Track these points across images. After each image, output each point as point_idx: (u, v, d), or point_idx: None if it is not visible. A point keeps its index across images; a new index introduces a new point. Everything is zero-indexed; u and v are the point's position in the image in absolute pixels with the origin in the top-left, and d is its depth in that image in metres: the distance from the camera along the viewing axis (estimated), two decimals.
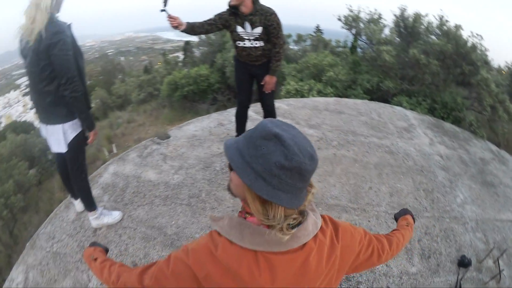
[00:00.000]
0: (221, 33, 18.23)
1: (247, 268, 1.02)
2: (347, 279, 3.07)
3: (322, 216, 1.20)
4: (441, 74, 8.14)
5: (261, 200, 0.98)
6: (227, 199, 3.87)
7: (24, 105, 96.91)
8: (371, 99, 8.19)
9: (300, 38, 22.00)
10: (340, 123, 5.89)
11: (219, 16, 3.78)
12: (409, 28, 8.89)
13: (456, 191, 4.55)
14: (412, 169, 4.80)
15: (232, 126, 5.01)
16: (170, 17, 3.50)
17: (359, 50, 12.08)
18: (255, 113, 5.53)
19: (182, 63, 27.41)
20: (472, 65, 7.55)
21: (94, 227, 3.44)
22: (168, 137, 5.07)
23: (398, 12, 9.28)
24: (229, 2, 3.62)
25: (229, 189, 1.13)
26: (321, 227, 1.15)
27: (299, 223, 1.05)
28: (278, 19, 3.66)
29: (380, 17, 9.81)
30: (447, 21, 8.28)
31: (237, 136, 4.31)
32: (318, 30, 27.30)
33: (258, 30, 3.67)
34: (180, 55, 35.89)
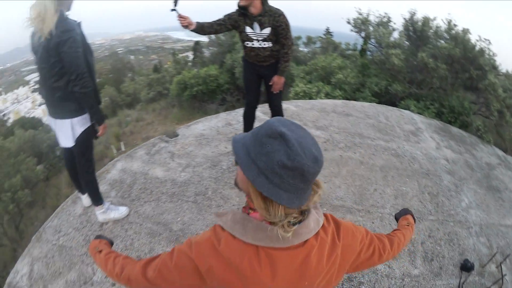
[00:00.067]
0: (231, 34, 18.25)
1: (249, 263, 1.04)
2: (349, 279, 3.10)
3: (325, 215, 1.21)
4: (449, 78, 8.12)
5: (262, 196, 1.00)
6: (233, 197, 3.92)
7: (32, 101, 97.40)
8: (379, 102, 8.19)
9: (309, 40, 21.96)
10: (347, 125, 5.91)
11: (229, 16, 3.83)
12: (418, 32, 8.89)
13: (461, 195, 4.55)
14: (418, 172, 4.81)
15: (240, 126, 5.06)
16: (180, 17, 3.55)
17: (368, 53, 12.07)
18: (262, 113, 5.58)
19: (192, 63, 27.49)
20: (480, 70, 7.52)
21: (100, 222, 3.50)
22: (176, 135, 5.14)
23: (407, 16, 9.29)
24: (238, 3, 3.67)
25: (235, 183, 1.15)
26: (323, 225, 1.16)
27: (301, 221, 1.07)
28: (286, 20, 3.70)
29: (389, 20, 9.79)
30: (455, 25, 8.26)
31: None
32: (328, 32, 27.28)
33: (267, 30, 3.71)
34: (190, 55, 36.01)
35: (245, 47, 3.98)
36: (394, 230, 1.63)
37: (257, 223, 1.06)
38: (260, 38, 3.79)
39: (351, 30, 10.11)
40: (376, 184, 4.42)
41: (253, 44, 3.86)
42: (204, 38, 25.25)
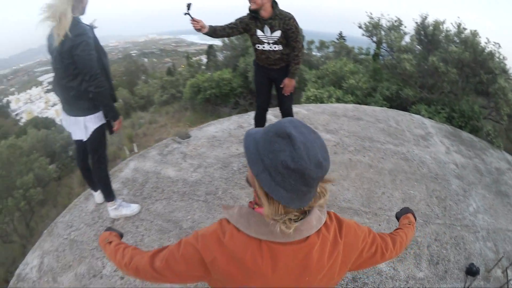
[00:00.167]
0: (244, 38, 18.29)
1: (251, 255, 1.08)
2: (353, 279, 3.15)
3: (328, 213, 1.23)
4: (460, 82, 8.10)
5: (265, 191, 1.03)
6: (242, 197, 4.02)
7: (46, 102, 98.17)
8: (391, 107, 8.20)
9: (322, 45, 21.94)
10: (357, 129, 5.97)
11: (240, 20, 3.95)
12: (429, 36, 8.86)
13: (469, 200, 4.57)
14: (426, 177, 4.84)
15: None
16: (193, 20, 3.69)
17: (380, 57, 12.02)
18: (274, 116, 5.67)
19: (205, 66, 27.62)
20: (490, 74, 7.48)
21: (112, 218, 3.62)
22: (188, 137, 5.26)
23: (419, 20, 9.26)
24: (250, 7, 3.78)
25: (247, 179, 1.19)
26: (326, 223, 1.18)
27: (303, 218, 1.10)
28: (296, 23, 3.80)
29: (400, 24, 9.77)
30: (464, 28, 8.24)
31: None
32: (341, 37, 27.23)
33: (277, 33, 3.82)
34: (204, 58, 36.15)
35: (256, 50, 4.09)
36: (396, 229, 1.64)
37: (261, 218, 1.09)
38: (271, 41, 3.89)
39: (363, 35, 10.12)
40: (385, 188, 4.46)
41: (263, 47, 3.97)
42: (217, 42, 25.39)
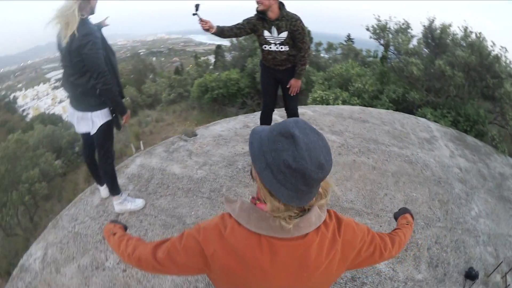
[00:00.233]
0: (252, 39, 18.33)
1: (251, 249, 1.11)
2: (352, 279, 3.18)
3: (328, 211, 1.25)
4: (466, 86, 8.09)
5: (266, 188, 1.06)
6: (246, 195, 4.06)
7: (52, 98, 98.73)
8: (397, 110, 8.19)
9: (330, 47, 21.94)
10: (363, 131, 5.99)
11: (247, 20, 4.04)
12: (436, 40, 8.85)
13: (471, 204, 4.56)
14: (430, 180, 4.85)
15: None
16: (201, 21, 3.76)
17: (388, 60, 11.97)
18: (280, 117, 5.72)
19: (213, 66, 27.71)
20: (496, 78, 7.46)
21: (117, 212, 3.71)
22: (195, 135, 5.34)
23: (426, 23, 9.24)
24: (257, 8, 3.86)
25: (251, 173, 1.20)
26: (325, 221, 1.20)
27: (302, 215, 1.12)
28: (303, 24, 3.87)
29: (408, 27, 9.76)
30: (471, 32, 8.23)
31: None
32: (349, 39, 27.22)
33: (284, 34, 3.88)
34: (212, 58, 36.25)
35: (262, 51, 4.15)
36: (395, 229, 1.66)
37: (262, 213, 1.12)
38: (278, 42, 3.96)
39: (370, 37, 10.12)
40: (387, 189, 4.48)
41: (270, 48, 4.03)
42: (226, 42, 25.45)
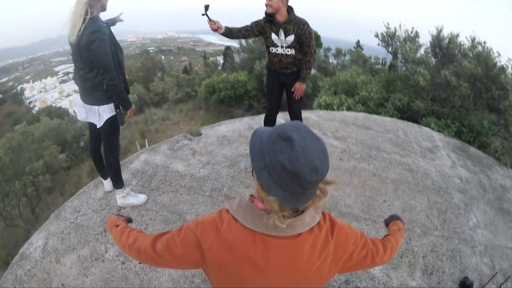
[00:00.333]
0: (261, 41, 18.34)
1: (245, 244, 1.15)
2: (346, 282, 3.22)
3: (323, 213, 1.28)
4: (471, 97, 8.09)
5: (263, 187, 1.11)
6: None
7: (60, 92, 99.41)
8: (401, 118, 8.20)
9: (339, 53, 21.89)
10: (365, 137, 6.03)
11: (256, 23, 4.14)
12: (444, 49, 8.85)
13: (470, 214, 4.57)
14: (429, 188, 4.87)
15: None
16: (210, 21, 3.86)
17: (397, 68, 11.93)
18: (284, 120, 5.77)
19: (222, 67, 27.74)
20: (502, 90, 7.46)
21: (119, 206, 3.80)
22: (199, 134, 5.43)
23: (434, 32, 9.24)
24: (266, 10, 3.94)
25: (252, 173, 1.21)
26: (319, 223, 1.23)
27: (297, 215, 1.16)
28: (310, 29, 3.95)
29: (417, 36, 9.76)
30: (478, 43, 8.24)
31: None
32: (358, 45, 27.18)
33: (291, 38, 3.96)
34: (221, 59, 36.30)
35: (269, 53, 4.24)
36: (386, 235, 1.69)
37: (257, 211, 1.16)
38: (284, 45, 4.04)
39: (378, 44, 10.13)
40: (386, 196, 4.52)
41: (277, 50, 4.12)
42: (235, 44, 25.47)
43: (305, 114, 6.59)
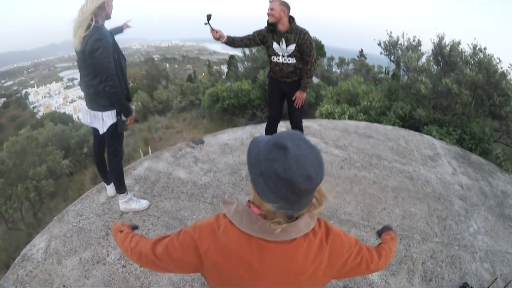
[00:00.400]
0: (265, 51, 18.42)
1: (241, 248, 1.18)
2: None
3: (318, 220, 1.30)
4: (473, 104, 8.10)
5: (258, 194, 1.14)
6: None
7: (64, 98, 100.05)
8: (403, 126, 8.23)
9: (342, 62, 21.96)
10: (366, 146, 6.07)
11: (258, 32, 4.24)
12: (446, 57, 8.87)
13: (470, 221, 4.58)
14: (430, 196, 4.89)
15: None
16: (212, 30, 3.97)
17: (400, 77, 11.94)
18: (285, 129, 5.80)
19: (226, 76, 27.85)
20: (503, 96, 7.46)
21: (121, 211, 3.85)
22: (202, 142, 5.49)
23: (436, 40, 9.27)
24: (268, 20, 4.03)
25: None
26: (314, 229, 1.25)
27: (291, 221, 1.18)
28: (311, 38, 4.04)
29: (419, 44, 9.79)
30: (480, 50, 8.26)
31: None
32: (361, 54, 27.28)
33: (292, 47, 4.05)
34: (225, 68, 36.47)
35: (270, 62, 4.33)
36: (380, 244, 1.71)
37: (253, 216, 1.18)
38: (286, 54, 4.12)
39: (381, 53, 10.17)
40: (386, 204, 4.54)
41: (278, 59, 4.20)
42: (239, 53, 25.59)
43: (307, 123, 6.65)
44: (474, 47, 8.35)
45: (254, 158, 1.14)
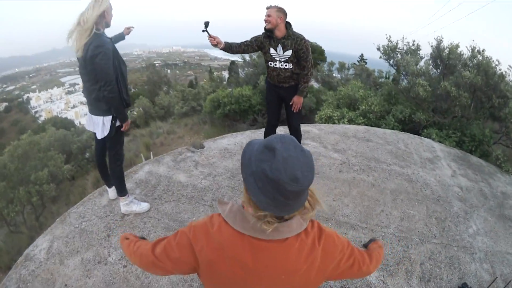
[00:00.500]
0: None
1: (234, 246, 1.23)
2: None
3: (312, 221, 1.34)
4: (472, 106, 8.12)
5: (248, 193, 1.18)
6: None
7: (66, 103, 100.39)
8: (403, 130, 8.23)
9: (342, 67, 21.99)
10: (365, 150, 6.12)
11: (255, 38, 4.31)
12: (445, 60, 8.89)
13: (469, 222, 4.60)
14: (428, 198, 4.92)
15: None
16: (210, 37, 4.05)
17: (400, 81, 11.96)
18: (285, 133, 5.86)
19: (227, 82, 27.90)
20: (502, 98, 7.47)
21: (122, 213, 3.94)
22: (202, 147, 5.57)
23: (434, 43, 9.28)
24: (265, 26, 4.11)
25: None
26: (306, 229, 1.29)
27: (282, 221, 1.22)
28: (307, 44, 4.10)
29: (418, 49, 9.80)
30: (478, 52, 8.27)
31: None
32: (362, 59, 27.35)
33: (289, 53, 4.11)
34: (226, 74, 36.57)
35: (268, 67, 4.39)
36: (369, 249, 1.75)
37: (246, 215, 1.22)
38: (282, 59, 4.18)
39: (380, 57, 10.19)
40: (384, 206, 4.58)
41: (275, 65, 4.26)
42: (239, 59, 25.68)
43: (306, 127, 6.71)
44: (473, 49, 8.36)
45: (247, 159, 1.18)
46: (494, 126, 8.49)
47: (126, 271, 3.25)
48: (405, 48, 9.93)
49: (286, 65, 4.22)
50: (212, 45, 4.17)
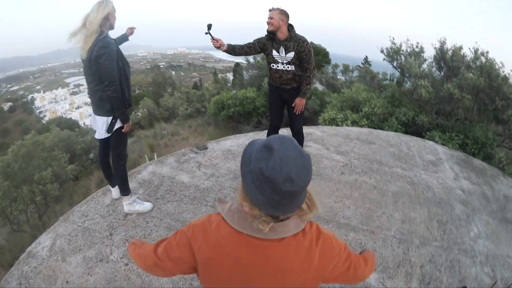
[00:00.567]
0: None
1: (232, 244, 1.25)
2: None
3: (310, 222, 1.34)
4: (475, 109, 8.10)
5: (244, 190, 1.20)
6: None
7: (70, 104, 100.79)
8: (406, 132, 8.22)
9: (346, 69, 21.94)
10: (368, 152, 6.13)
11: (258, 40, 4.35)
12: (448, 62, 8.87)
13: (471, 225, 4.59)
14: (430, 201, 4.91)
15: None
16: (213, 39, 4.07)
17: (398, 83, 11.95)
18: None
19: (231, 84, 27.90)
20: (505, 100, 7.47)
21: (125, 212, 3.99)
22: (205, 148, 5.63)
23: (438, 45, 9.28)
24: (268, 29, 4.14)
25: None
26: (304, 230, 1.29)
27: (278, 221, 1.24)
28: (309, 46, 4.14)
29: (422, 51, 9.79)
30: (481, 54, 8.26)
31: None
32: (366, 61, 27.26)
33: (291, 55, 4.14)
34: (230, 75, 36.57)
35: (270, 69, 4.43)
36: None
37: (244, 214, 1.24)
38: (285, 61, 4.21)
39: (383, 59, 10.20)
40: (385, 208, 4.58)
41: (277, 67, 4.29)
42: (244, 61, 25.75)
43: (309, 129, 6.73)
44: (476, 51, 8.36)
45: (247, 157, 1.20)
46: (497, 128, 8.46)
47: (127, 269, 3.29)
48: (408, 50, 9.92)
49: (288, 67, 4.26)
50: (215, 47, 4.21)
